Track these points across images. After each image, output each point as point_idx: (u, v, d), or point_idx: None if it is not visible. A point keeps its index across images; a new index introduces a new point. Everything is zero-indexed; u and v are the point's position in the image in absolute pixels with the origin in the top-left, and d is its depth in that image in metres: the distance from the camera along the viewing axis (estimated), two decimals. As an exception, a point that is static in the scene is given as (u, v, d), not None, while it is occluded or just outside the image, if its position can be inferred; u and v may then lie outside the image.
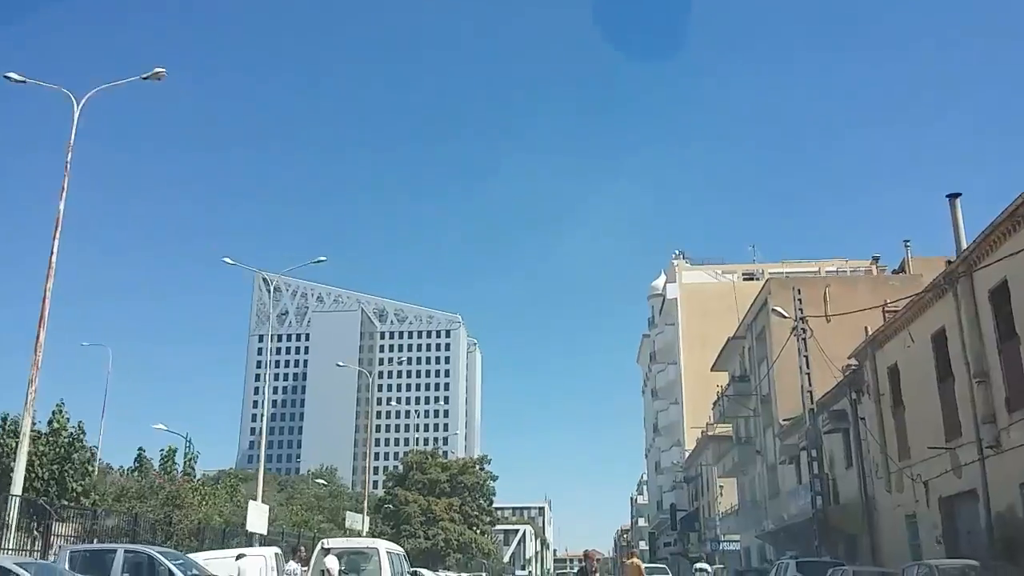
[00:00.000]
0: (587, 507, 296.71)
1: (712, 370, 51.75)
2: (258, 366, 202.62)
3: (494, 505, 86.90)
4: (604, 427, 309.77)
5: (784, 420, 37.53)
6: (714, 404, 50.31)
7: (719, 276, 75.79)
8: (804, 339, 28.07)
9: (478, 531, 61.11)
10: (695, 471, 62.84)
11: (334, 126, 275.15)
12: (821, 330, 33.36)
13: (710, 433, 56.29)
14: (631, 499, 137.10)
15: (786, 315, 28.79)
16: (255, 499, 52.22)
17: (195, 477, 36.22)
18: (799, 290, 28.55)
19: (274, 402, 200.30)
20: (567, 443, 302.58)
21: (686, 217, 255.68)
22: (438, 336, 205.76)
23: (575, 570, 36.73)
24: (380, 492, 68.01)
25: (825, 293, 36.37)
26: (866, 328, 27.46)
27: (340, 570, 17.40)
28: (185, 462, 37.11)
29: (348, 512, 51.37)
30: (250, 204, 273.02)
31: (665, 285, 78.70)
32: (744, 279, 73.59)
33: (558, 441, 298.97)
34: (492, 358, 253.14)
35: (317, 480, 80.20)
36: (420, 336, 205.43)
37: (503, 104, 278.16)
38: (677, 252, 78.25)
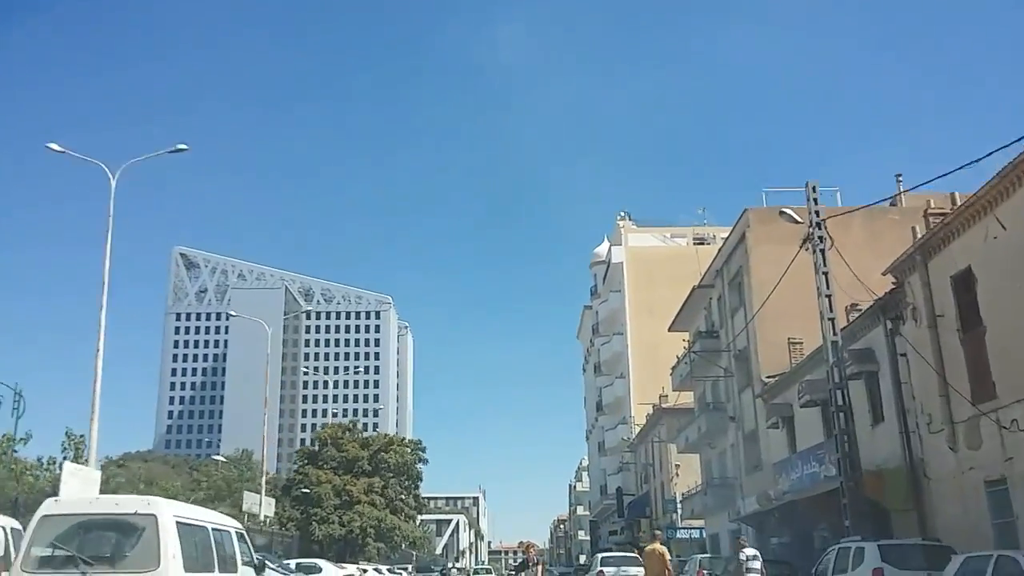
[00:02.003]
0: (523, 498, 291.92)
1: (671, 330, 45.30)
2: (175, 346, 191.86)
3: (424, 494, 79.54)
4: (541, 416, 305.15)
5: (767, 377, 31.04)
6: (673, 369, 43.65)
7: (668, 239, 69.71)
8: (822, 250, 21.11)
9: (402, 517, 53.47)
10: (645, 450, 56.26)
11: (262, 103, 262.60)
12: (811, 269, 26.85)
13: (664, 405, 50.05)
14: (570, 486, 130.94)
15: (799, 219, 21.84)
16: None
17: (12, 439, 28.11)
18: (814, 188, 21.54)
19: (192, 384, 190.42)
20: (502, 432, 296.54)
21: (630, 180, 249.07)
22: (367, 318, 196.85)
23: (515, 563, 30.95)
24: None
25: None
26: (913, 229, 20.70)
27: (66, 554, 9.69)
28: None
29: (246, 492, 43.36)
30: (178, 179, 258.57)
31: (609, 249, 72.08)
32: (695, 243, 67.45)
33: (493, 430, 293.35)
34: (424, 344, 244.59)
35: (218, 459, 71.98)
36: (348, 317, 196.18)
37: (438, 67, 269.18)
38: (622, 213, 71.69)
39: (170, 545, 9.65)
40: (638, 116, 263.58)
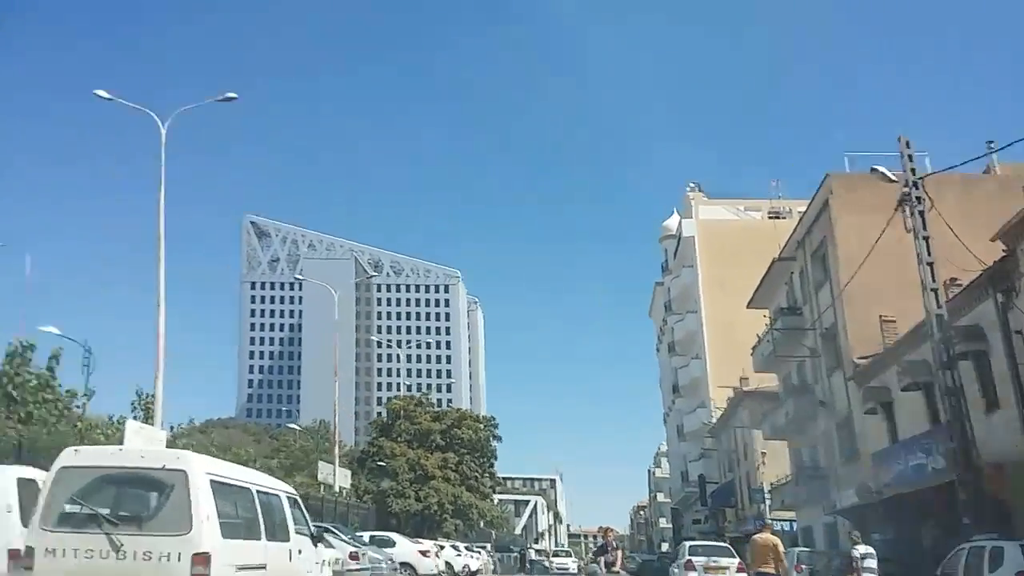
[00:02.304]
0: (600, 482, 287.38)
1: (749, 306, 43.05)
2: (251, 315, 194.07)
3: (498, 471, 78.49)
4: (616, 396, 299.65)
5: (860, 358, 28.70)
6: (753, 349, 41.24)
7: (741, 212, 66.64)
8: (921, 212, 18.80)
9: (478, 495, 52.45)
10: (728, 436, 53.70)
11: (332, 71, 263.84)
12: (902, 240, 24.33)
13: (746, 388, 47.54)
14: (649, 472, 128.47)
15: (893, 177, 19.56)
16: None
17: (77, 397, 27.49)
18: (908, 143, 19.17)
19: (271, 353, 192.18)
20: (578, 412, 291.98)
21: (700, 152, 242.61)
22: (436, 291, 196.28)
23: (594, 547, 29.53)
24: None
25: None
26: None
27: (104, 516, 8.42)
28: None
29: (321, 463, 42.79)
30: (245, 148, 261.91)
31: (680, 223, 69.32)
32: (771, 216, 64.26)
33: (567, 411, 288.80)
34: (494, 320, 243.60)
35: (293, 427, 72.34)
36: (418, 290, 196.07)
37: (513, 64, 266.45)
38: (692, 184, 68.77)
39: (203, 505, 8.54)
40: (711, 84, 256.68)
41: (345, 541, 20.87)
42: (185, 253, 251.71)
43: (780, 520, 43.11)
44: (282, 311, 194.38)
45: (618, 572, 19.08)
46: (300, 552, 10.96)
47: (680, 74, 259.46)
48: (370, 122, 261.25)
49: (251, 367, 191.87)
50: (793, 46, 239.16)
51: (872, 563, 16.37)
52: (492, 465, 56.25)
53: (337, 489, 39.29)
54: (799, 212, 45.58)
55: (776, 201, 64.06)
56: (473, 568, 38.08)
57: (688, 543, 26.91)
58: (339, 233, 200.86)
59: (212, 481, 8.79)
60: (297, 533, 10.98)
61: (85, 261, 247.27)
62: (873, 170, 21.00)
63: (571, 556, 55.62)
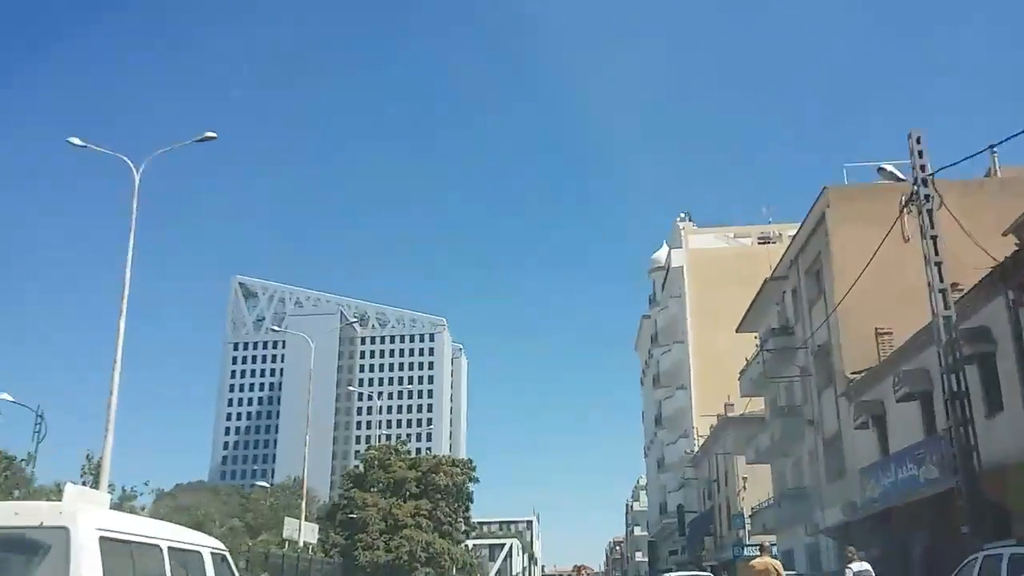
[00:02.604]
0: (578, 521, 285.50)
1: (739, 330, 42.06)
2: (232, 376, 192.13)
3: (477, 518, 75.72)
4: (597, 436, 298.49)
5: (852, 373, 27.66)
6: (741, 373, 40.17)
7: (731, 240, 66.13)
8: (929, 210, 17.79)
9: (451, 540, 50.22)
10: (709, 464, 52.49)
11: (322, 126, 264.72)
12: (899, 251, 23.70)
13: (731, 414, 46.61)
14: (626, 506, 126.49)
15: (901, 176, 18.53)
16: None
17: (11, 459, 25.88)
18: (919, 139, 18.19)
19: (248, 414, 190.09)
20: (557, 455, 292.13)
21: (688, 182, 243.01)
22: (422, 340, 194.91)
23: None
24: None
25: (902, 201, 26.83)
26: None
27: None
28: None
29: (287, 519, 40.69)
30: (227, 204, 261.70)
31: (669, 253, 68.56)
32: (760, 243, 63.79)
33: (548, 453, 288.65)
34: (478, 365, 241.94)
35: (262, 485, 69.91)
36: (403, 340, 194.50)
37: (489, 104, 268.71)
38: (683, 215, 68.23)
39: (86, 569, 6.54)
40: (698, 111, 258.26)
41: None
42: (173, 317, 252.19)
43: (759, 545, 41.91)
44: (263, 370, 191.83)
45: None
46: None
47: (667, 101, 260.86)
48: (355, 184, 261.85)
49: (227, 428, 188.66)
50: (787, 68, 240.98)
51: None
52: (468, 509, 54.14)
53: (301, 544, 37.41)
54: (789, 236, 44.92)
55: (766, 226, 63.67)
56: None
57: (666, 575, 24.54)
58: (327, 289, 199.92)
59: (104, 539, 6.84)
60: None
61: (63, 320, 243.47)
62: (880, 169, 19.94)
63: None
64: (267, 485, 71.59)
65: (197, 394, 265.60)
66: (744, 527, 40.73)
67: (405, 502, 47.94)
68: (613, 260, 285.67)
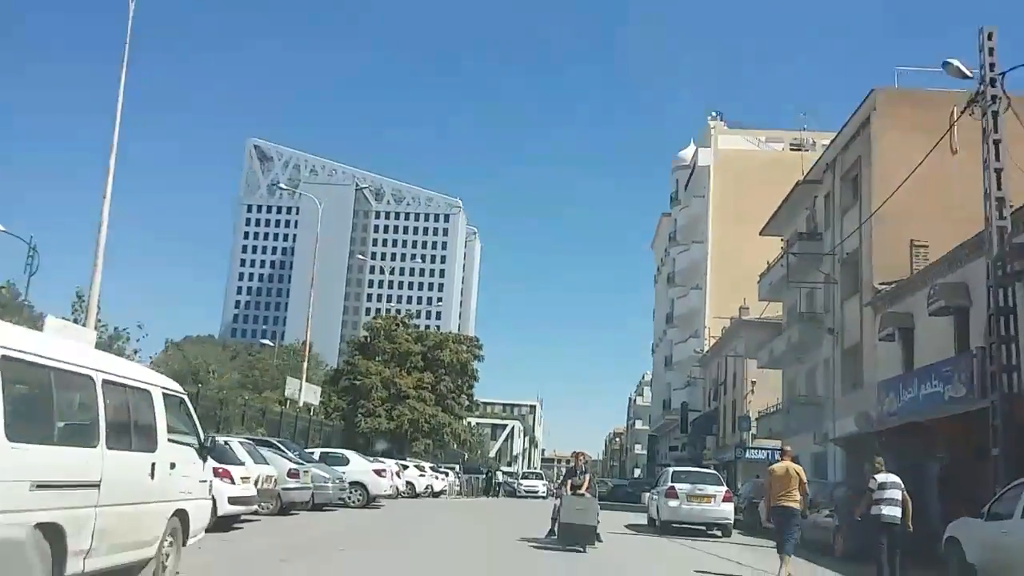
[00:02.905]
0: (580, 410, 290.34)
1: (763, 233, 41.04)
2: (245, 237, 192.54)
3: (481, 398, 76.40)
4: (605, 330, 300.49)
5: (881, 284, 26.77)
6: (761, 276, 39.30)
7: (762, 143, 64.27)
8: (995, 112, 16.48)
9: (453, 415, 50.57)
10: (718, 365, 52.29)
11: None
12: (945, 164, 22.73)
13: (745, 317, 45.99)
14: (630, 400, 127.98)
15: (968, 72, 17.06)
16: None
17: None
18: (990, 35, 16.78)
19: (260, 275, 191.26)
20: (564, 345, 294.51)
21: (726, 78, 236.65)
22: (436, 220, 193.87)
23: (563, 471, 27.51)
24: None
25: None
26: None
27: None
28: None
29: (289, 378, 40.68)
30: (245, 66, 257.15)
31: (696, 152, 66.75)
32: (792, 149, 61.99)
33: (555, 342, 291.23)
34: (491, 250, 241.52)
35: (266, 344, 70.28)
36: (417, 219, 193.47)
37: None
38: (713, 114, 66.01)
39: None
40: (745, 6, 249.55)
41: (287, 458, 18.63)
42: (187, 176, 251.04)
43: (762, 448, 41.93)
44: (276, 234, 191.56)
45: (583, 495, 16.48)
46: (173, 467, 7.81)
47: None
48: (381, 47, 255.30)
49: (239, 288, 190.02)
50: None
51: (895, 493, 13.33)
52: (471, 386, 54.30)
53: (301, 404, 37.44)
54: (823, 144, 43.50)
55: (800, 133, 61.78)
56: (437, 489, 36.45)
57: (672, 468, 23.61)
58: (343, 160, 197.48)
59: (7, 358, 5.50)
60: (173, 442, 7.90)
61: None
62: (946, 63, 18.31)
63: (541, 479, 53.61)
64: (271, 344, 71.67)
65: (211, 253, 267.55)
66: (749, 430, 40.61)
67: (409, 374, 48.05)
68: (637, 156, 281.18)
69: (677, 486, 20.08)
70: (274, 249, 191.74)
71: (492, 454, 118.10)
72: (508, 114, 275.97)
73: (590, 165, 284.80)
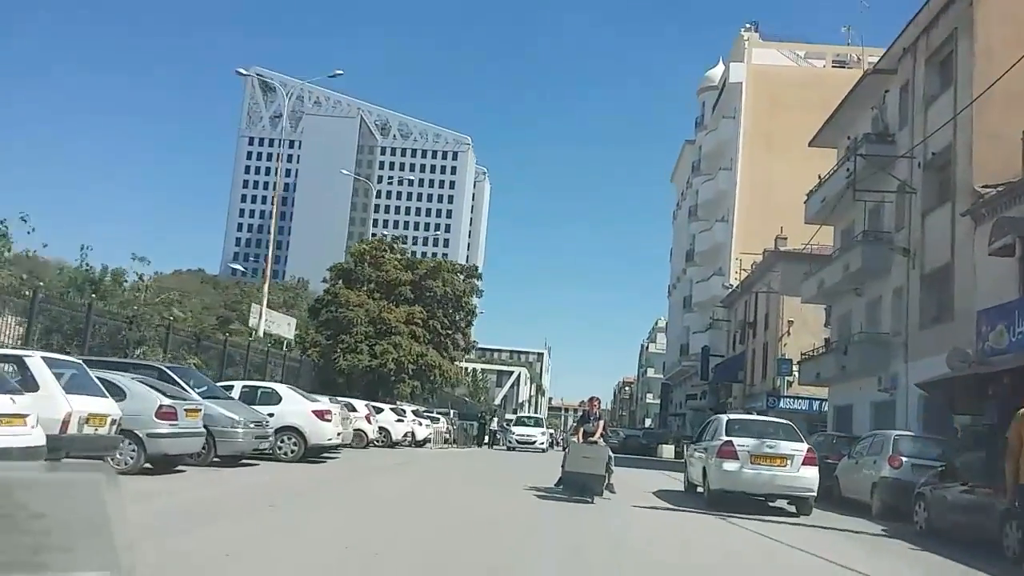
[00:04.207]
0: (589, 359, 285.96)
1: (812, 144, 34.88)
2: (246, 171, 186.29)
3: (487, 344, 70.34)
4: (616, 277, 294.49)
5: (984, 187, 20.73)
6: (810, 194, 33.10)
7: (801, 59, 57.54)
8: None
9: (446, 356, 44.70)
10: (746, 304, 46.36)
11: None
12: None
13: (783, 248, 40.07)
14: (641, 346, 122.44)
15: None
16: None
17: None
18: None
19: (261, 212, 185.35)
20: (574, 292, 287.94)
21: None
22: (444, 157, 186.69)
23: (577, 417, 21.94)
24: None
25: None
26: None
27: None
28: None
29: (254, 305, 35.02)
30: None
31: (727, 68, 60.00)
32: (835, 65, 55.43)
33: (564, 288, 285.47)
34: (500, 192, 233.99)
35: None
36: (424, 156, 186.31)
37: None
38: (748, 24, 59.06)
39: None
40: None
41: (165, 392, 12.66)
42: (188, 105, 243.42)
43: (800, 398, 36.47)
44: (278, 168, 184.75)
45: (596, 442, 15.00)
46: None
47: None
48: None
49: (239, 224, 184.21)
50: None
51: None
52: (469, 323, 48.41)
53: (261, 333, 31.66)
54: (871, 61, 37.24)
55: (844, 48, 55.29)
56: (420, 437, 31.01)
57: (725, 417, 16.48)
58: (348, 91, 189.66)
59: None
60: None
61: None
62: None
63: (540, 426, 43.07)
64: (242, 270, 65.85)
65: (212, 185, 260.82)
66: (791, 374, 34.89)
67: (397, 307, 42.20)
68: (658, 79, 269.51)
69: (736, 442, 13.88)
70: (276, 185, 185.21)
71: (497, 401, 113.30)
72: (520, 47, 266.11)
73: (606, 95, 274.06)
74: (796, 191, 40.10)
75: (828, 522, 13.54)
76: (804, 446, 13.85)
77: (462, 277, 46.12)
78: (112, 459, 10.80)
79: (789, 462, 13.53)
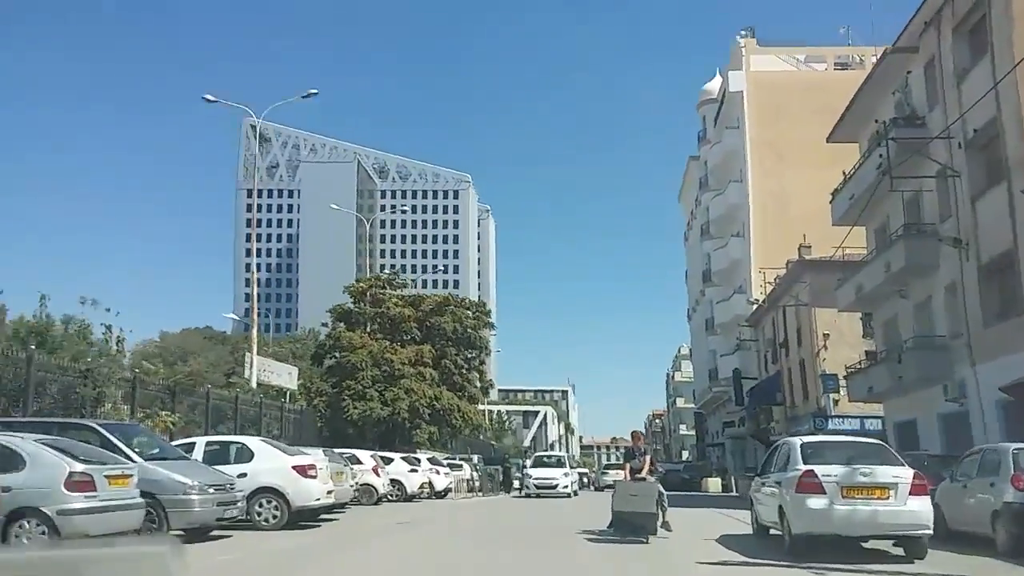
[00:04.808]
0: (614, 394, 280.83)
1: (831, 140, 32.46)
2: (247, 224, 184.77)
3: (510, 386, 67.49)
4: (633, 308, 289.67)
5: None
6: (834, 194, 30.71)
7: (800, 63, 55.51)
8: None
9: (464, 397, 42.13)
10: (773, 321, 43.79)
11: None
12: None
13: (808, 257, 37.75)
14: (667, 376, 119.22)
15: None
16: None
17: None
18: None
19: (268, 265, 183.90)
20: (592, 325, 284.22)
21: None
22: (445, 197, 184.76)
23: (620, 455, 19.77)
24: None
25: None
26: None
27: None
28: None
29: (246, 353, 32.66)
30: (236, 40, 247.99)
31: (726, 77, 57.96)
32: (837, 68, 53.36)
33: (582, 324, 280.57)
34: (507, 230, 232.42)
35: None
36: (425, 196, 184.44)
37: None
38: (744, 31, 57.08)
39: None
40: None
41: (90, 458, 10.35)
42: (182, 161, 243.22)
43: (847, 416, 33.73)
44: (279, 220, 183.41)
45: (645, 479, 14.65)
46: None
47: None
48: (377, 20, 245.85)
49: (247, 280, 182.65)
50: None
51: None
52: (483, 361, 45.92)
53: (254, 385, 29.25)
54: (874, 59, 35.16)
55: (845, 49, 53.34)
56: (439, 487, 28.39)
57: (797, 441, 12.94)
58: (344, 137, 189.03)
59: None
60: None
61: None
62: None
63: (563, 466, 34.88)
64: (237, 319, 63.85)
65: (214, 244, 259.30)
66: (837, 390, 32.18)
67: (403, 347, 39.76)
68: (658, 105, 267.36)
69: (820, 471, 11.07)
70: (279, 236, 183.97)
71: (527, 443, 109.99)
72: (511, 78, 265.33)
73: (606, 130, 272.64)
74: (812, 198, 38.98)
75: (947, 565, 10.86)
76: (909, 471, 11.06)
77: (470, 313, 43.73)
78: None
79: (892, 492, 10.79)
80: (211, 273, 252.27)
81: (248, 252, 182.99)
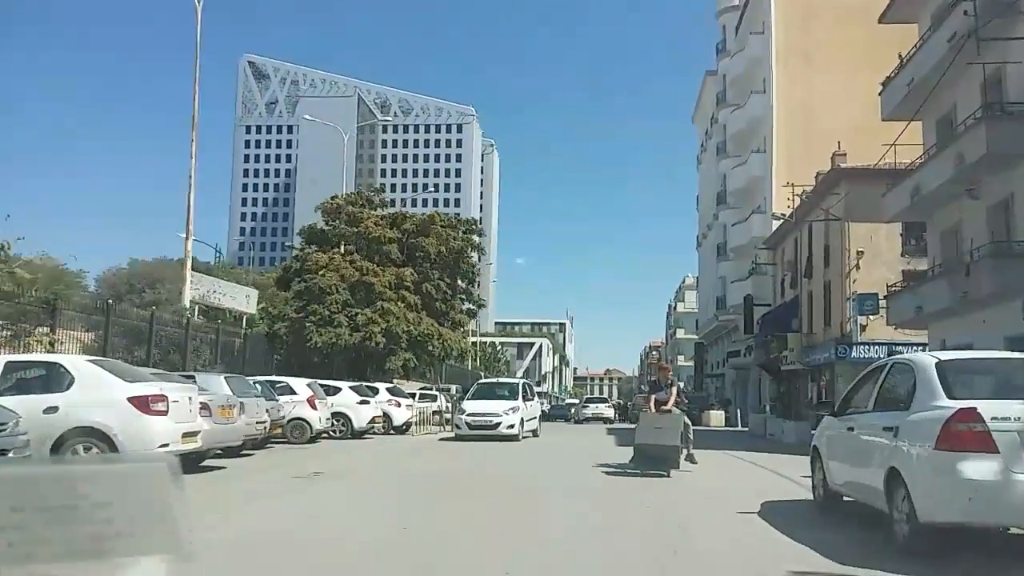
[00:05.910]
0: (613, 327, 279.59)
1: (882, 20, 27.17)
2: (245, 160, 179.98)
3: (509, 318, 63.61)
4: (636, 243, 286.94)
5: None
6: (885, 82, 25.55)
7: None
8: None
9: (448, 322, 37.61)
10: (796, 241, 39.13)
11: None
12: None
13: (844, 165, 32.92)
14: (669, 307, 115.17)
15: None
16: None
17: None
18: None
19: (264, 200, 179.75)
20: (593, 261, 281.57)
21: None
22: (449, 131, 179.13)
23: (646, 387, 20.60)
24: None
25: None
26: None
27: None
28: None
29: (193, 273, 28.04)
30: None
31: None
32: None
33: (583, 258, 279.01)
34: (510, 164, 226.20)
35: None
36: (428, 130, 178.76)
37: None
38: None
39: None
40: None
41: None
42: (182, 98, 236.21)
43: (874, 343, 29.24)
44: (278, 155, 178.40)
45: (670, 411, 13.61)
46: None
47: None
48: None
49: (243, 215, 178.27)
50: None
51: None
52: (471, 283, 41.34)
53: (187, 304, 24.64)
54: None
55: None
56: (398, 421, 24.18)
57: (930, 359, 7.50)
58: (344, 72, 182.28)
59: None
60: None
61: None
62: None
63: (514, 397, 24.88)
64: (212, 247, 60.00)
65: (212, 177, 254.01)
66: (876, 313, 27.64)
67: (383, 270, 35.13)
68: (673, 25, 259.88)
69: (989, 413, 5.99)
70: (276, 171, 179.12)
71: (519, 374, 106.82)
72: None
73: (613, 40, 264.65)
74: (843, 108, 38.31)
75: None
76: None
77: (455, 233, 38.92)
78: None
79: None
80: (206, 209, 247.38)
81: (246, 188, 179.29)
